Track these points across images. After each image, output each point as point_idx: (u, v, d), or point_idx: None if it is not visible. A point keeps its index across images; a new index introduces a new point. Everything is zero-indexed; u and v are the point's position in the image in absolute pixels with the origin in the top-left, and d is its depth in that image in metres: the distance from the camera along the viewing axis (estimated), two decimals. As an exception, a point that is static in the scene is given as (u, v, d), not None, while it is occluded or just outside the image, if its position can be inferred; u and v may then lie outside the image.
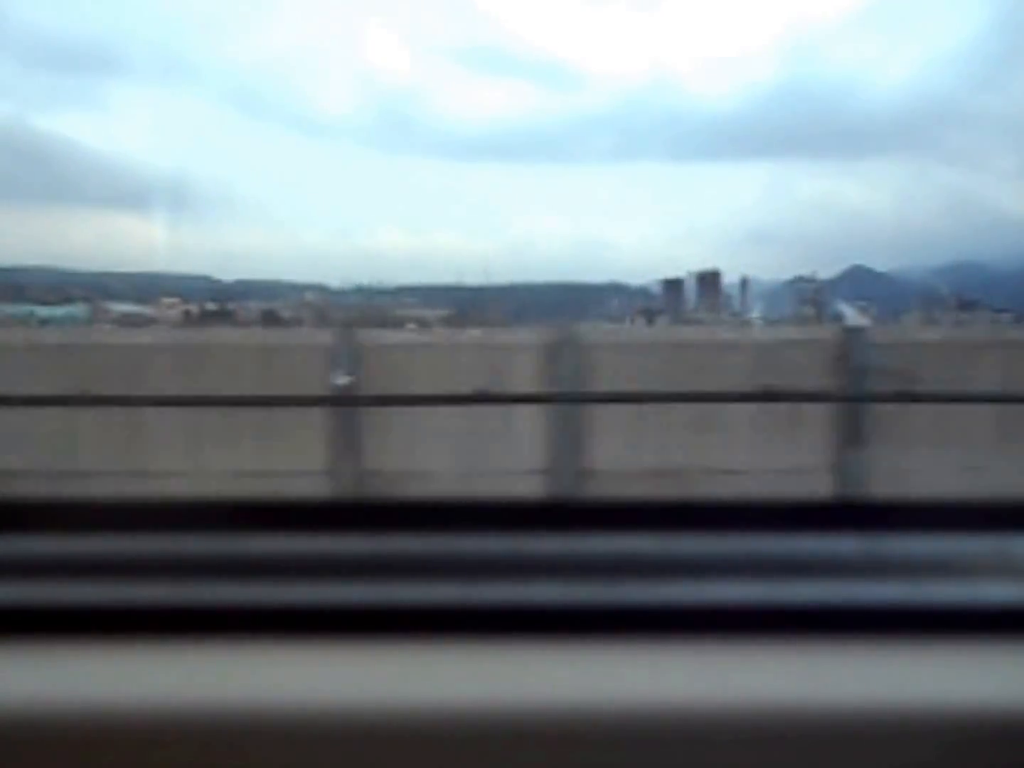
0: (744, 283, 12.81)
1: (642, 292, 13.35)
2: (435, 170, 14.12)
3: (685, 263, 13.14)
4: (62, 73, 13.17)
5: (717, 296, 12.81)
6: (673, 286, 12.88)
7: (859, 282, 12.66)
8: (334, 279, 12.94)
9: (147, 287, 12.18)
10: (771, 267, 13.23)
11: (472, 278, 12.74)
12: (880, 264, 12.79)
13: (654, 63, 13.77)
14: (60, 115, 13.90)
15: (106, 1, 12.71)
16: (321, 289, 12.92)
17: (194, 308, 12.13)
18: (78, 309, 11.91)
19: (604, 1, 14.27)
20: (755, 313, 12.71)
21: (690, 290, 12.97)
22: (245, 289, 12.70)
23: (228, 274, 12.62)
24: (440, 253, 13.60)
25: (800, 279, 12.76)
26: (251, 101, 14.09)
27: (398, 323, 12.25)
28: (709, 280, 12.75)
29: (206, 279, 12.62)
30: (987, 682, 1.45)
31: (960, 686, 1.44)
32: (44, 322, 11.45)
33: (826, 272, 12.65)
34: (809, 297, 12.21)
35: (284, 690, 1.42)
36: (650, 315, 12.78)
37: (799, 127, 13.09)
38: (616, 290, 13.29)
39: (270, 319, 12.16)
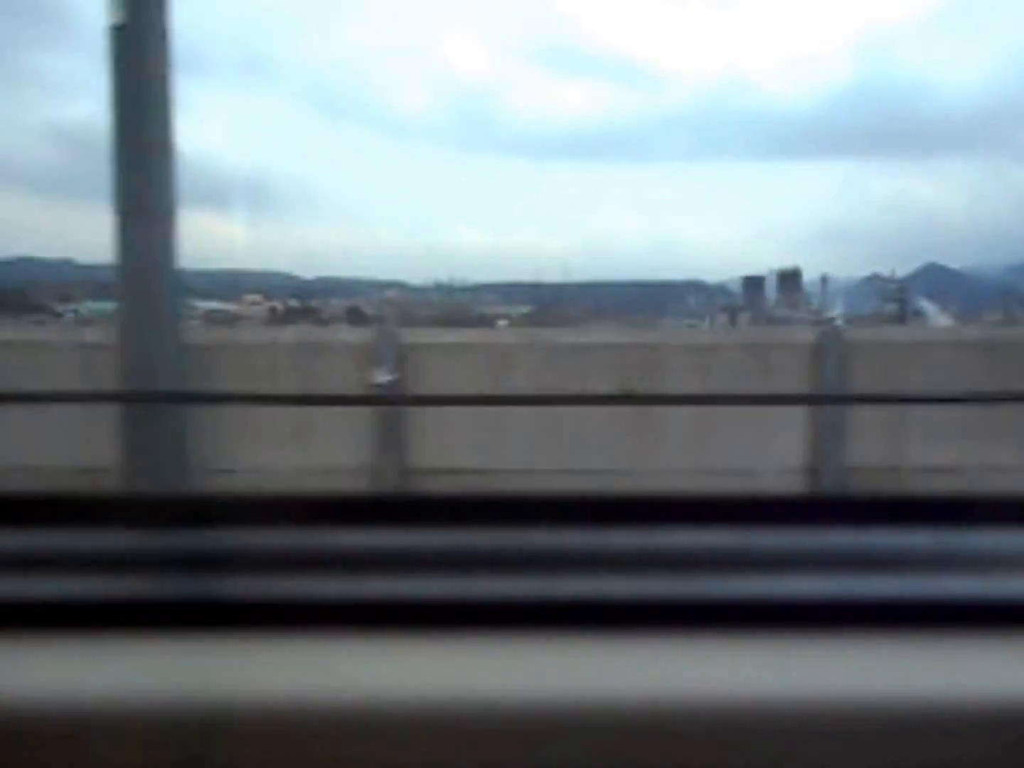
0: (824, 280, 12.81)
1: (720, 289, 13.35)
2: (513, 169, 14.18)
3: (760, 261, 13.15)
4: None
5: (798, 293, 12.81)
6: (754, 283, 12.89)
7: (934, 279, 12.63)
8: (413, 276, 13.00)
9: (230, 284, 12.27)
10: (846, 265, 13.22)
11: (550, 275, 12.79)
12: (954, 261, 12.75)
13: (731, 63, 13.78)
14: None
15: (187, 1, 12.80)
16: (401, 286, 12.99)
17: (278, 305, 12.20)
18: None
19: (681, 2, 14.29)
20: (837, 310, 12.70)
21: (769, 287, 12.95)
22: (326, 286, 12.76)
23: (308, 271, 12.69)
24: (517, 250, 13.64)
25: (876, 276, 12.75)
26: (330, 100, 14.18)
27: (486, 321, 12.31)
28: (790, 277, 12.75)
29: (287, 276, 12.69)
30: (1012, 675, 1.46)
31: (992, 679, 1.45)
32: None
33: (901, 270, 12.64)
34: (892, 295, 12.19)
35: (297, 682, 1.44)
36: (732, 313, 12.80)
37: (873, 126, 13.07)
38: (694, 287, 13.30)
39: (354, 316, 12.23)
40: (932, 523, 1.66)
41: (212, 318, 11.81)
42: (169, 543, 1.67)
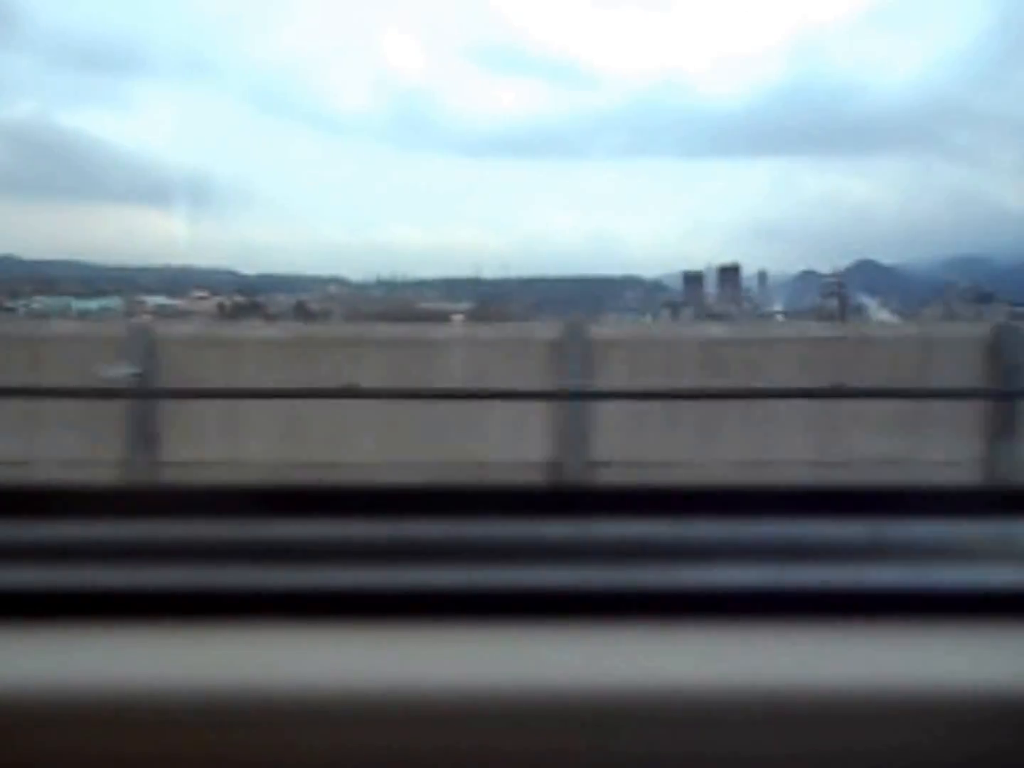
0: (763, 276, 13.06)
1: (656, 285, 13.57)
2: (450, 167, 14.33)
3: (694, 256, 13.40)
4: (86, 72, 13.36)
5: (738, 289, 13.05)
6: (693, 279, 13.11)
7: (868, 275, 12.90)
8: (353, 272, 13.15)
9: (173, 281, 12.36)
10: (779, 261, 13.49)
11: (488, 272, 12.97)
12: (887, 258, 13.05)
13: (665, 62, 14.01)
14: (85, 113, 14.09)
15: (130, 2, 12.93)
16: (342, 282, 13.11)
17: (225, 301, 12.30)
18: (113, 302, 12.08)
19: (617, 2, 14.48)
20: (777, 306, 12.97)
21: (709, 283, 13.19)
22: (268, 282, 12.88)
23: (251, 268, 12.80)
24: (454, 248, 13.81)
25: (810, 272, 13.03)
26: (270, 99, 14.28)
27: (428, 317, 12.47)
28: (729, 273, 12.99)
29: (230, 273, 12.80)
30: (989, 664, 1.48)
31: (963, 668, 1.47)
32: (84, 314, 11.63)
33: (835, 266, 12.92)
34: (833, 290, 12.45)
35: (297, 672, 1.45)
36: (675, 308, 13.01)
37: (805, 125, 13.35)
38: (632, 283, 13.51)
39: (301, 312, 12.36)
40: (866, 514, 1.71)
41: (162, 313, 11.93)
42: (175, 533, 1.68)
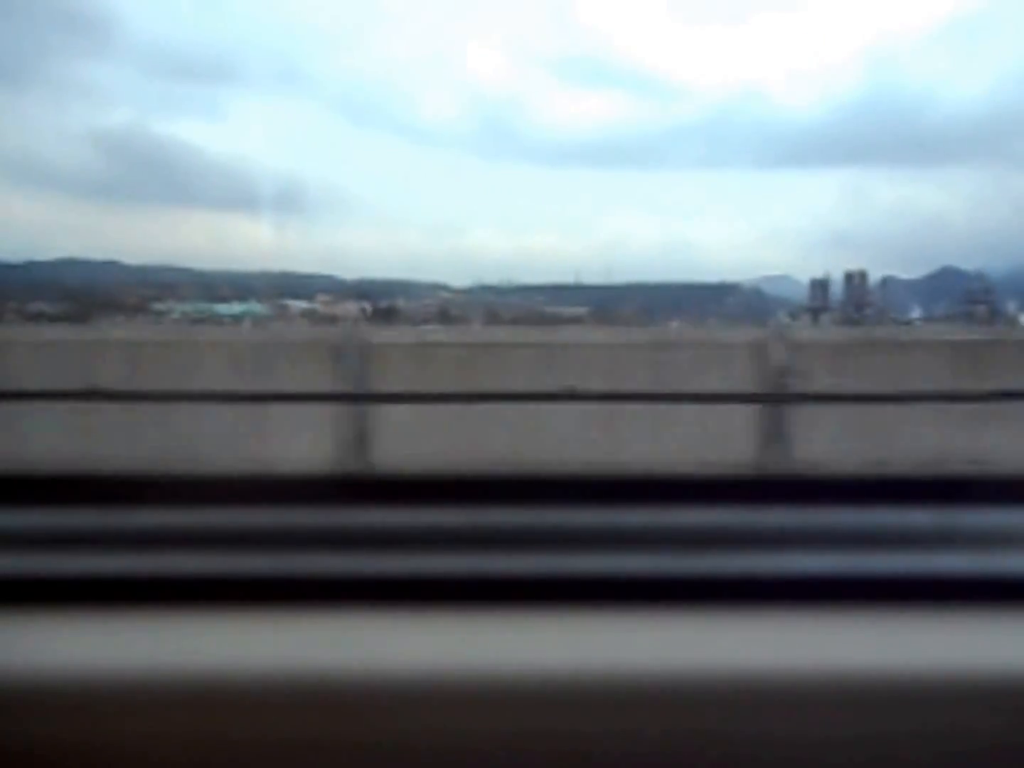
0: (887, 282, 13.20)
1: (755, 291, 13.67)
2: (533, 175, 14.38)
3: (771, 264, 13.63)
4: (181, 81, 13.26)
5: (866, 295, 13.17)
6: (819, 285, 13.21)
7: (950, 281, 13.12)
8: (445, 278, 13.14)
9: (279, 286, 12.24)
10: (853, 268, 13.80)
11: (570, 278, 13.05)
12: (962, 265, 13.34)
13: (742, 75, 14.19)
14: (179, 121, 14.05)
15: (224, 12, 12.88)
16: (446, 288, 13.03)
17: (365, 306, 12.19)
18: (256, 307, 11.90)
19: (695, 16, 14.62)
20: (915, 313, 13.11)
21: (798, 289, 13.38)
22: (368, 287, 12.76)
23: (347, 273, 12.71)
24: (537, 253, 13.86)
25: (891, 278, 13.22)
26: (360, 109, 14.26)
27: (554, 321, 12.44)
28: (856, 280, 13.12)
29: (329, 278, 12.67)
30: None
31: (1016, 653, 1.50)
32: (236, 318, 11.45)
33: (911, 272, 13.18)
34: (978, 297, 12.62)
35: (311, 656, 1.48)
36: (816, 313, 13.09)
37: (879, 136, 13.62)
38: (728, 289, 13.59)
39: (444, 317, 12.27)
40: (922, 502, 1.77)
41: (313, 317, 11.81)
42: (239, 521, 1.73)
